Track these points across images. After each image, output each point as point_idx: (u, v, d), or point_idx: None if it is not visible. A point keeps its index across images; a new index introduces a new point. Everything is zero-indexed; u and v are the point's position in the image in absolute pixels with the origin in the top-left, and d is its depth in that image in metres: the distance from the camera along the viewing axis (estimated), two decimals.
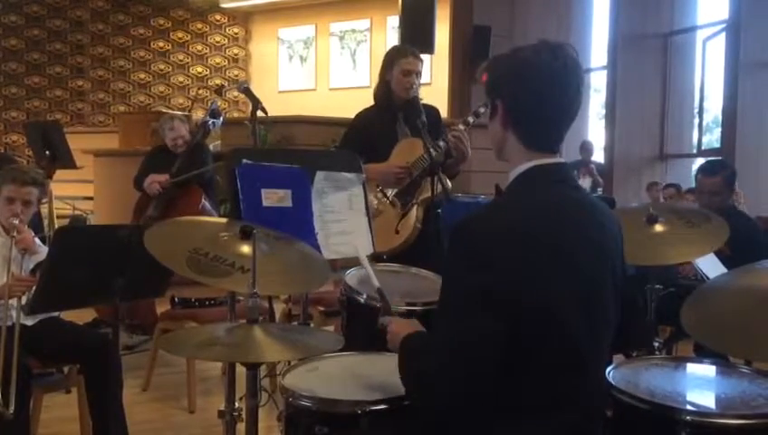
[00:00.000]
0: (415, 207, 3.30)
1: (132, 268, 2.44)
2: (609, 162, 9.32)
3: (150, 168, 4.82)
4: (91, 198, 8.09)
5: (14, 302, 2.75)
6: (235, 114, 11.27)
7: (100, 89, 12.24)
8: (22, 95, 11.91)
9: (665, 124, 9.30)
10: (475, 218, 1.58)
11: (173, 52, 12.58)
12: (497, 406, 1.53)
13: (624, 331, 1.72)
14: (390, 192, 3.34)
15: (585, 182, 8.87)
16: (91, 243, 2.55)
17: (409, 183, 3.30)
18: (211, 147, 5.76)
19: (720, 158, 6.28)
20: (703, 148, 8.98)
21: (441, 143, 3.19)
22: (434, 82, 9.36)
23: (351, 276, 2.45)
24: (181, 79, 12.59)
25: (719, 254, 2.97)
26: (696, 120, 9.39)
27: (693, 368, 1.99)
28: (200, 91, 12.52)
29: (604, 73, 9.74)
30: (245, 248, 2.01)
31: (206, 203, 4.68)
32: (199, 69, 12.67)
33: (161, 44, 12.52)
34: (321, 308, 3.78)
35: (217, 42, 12.76)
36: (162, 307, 4.09)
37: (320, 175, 2.59)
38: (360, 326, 2.31)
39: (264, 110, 3.04)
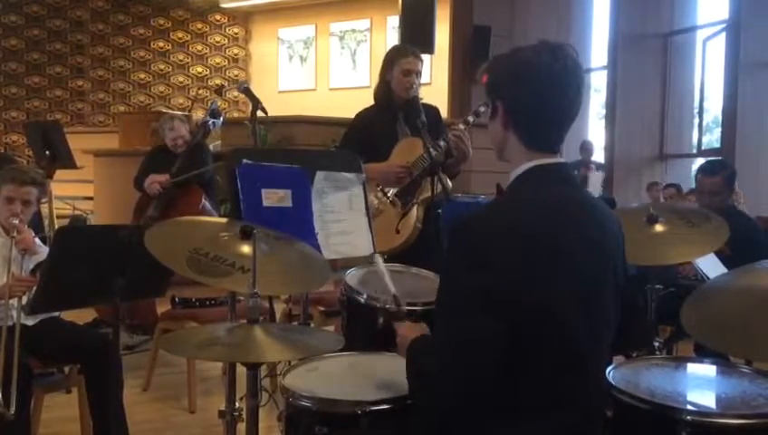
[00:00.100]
0: (415, 207, 3.29)
1: (133, 268, 2.43)
2: (610, 162, 9.33)
3: (150, 168, 4.82)
4: (91, 198, 8.09)
5: (14, 302, 2.75)
6: (235, 114, 11.27)
7: (100, 89, 12.25)
8: (22, 95, 11.91)
9: (665, 124, 9.31)
10: (474, 218, 1.58)
11: (173, 52, 12.58)
12: (497, 406, 1.53)
13: (624, 331, 1.72)
14: (391, 192, 3.33)
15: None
16: (91, 243, 2.55)
17: (410, 183, 3.30)
18: (211, 147, 5.76)
19: (720, 158, 6.29)
20: (703, 148, 8.99)
21: (441, 143, 3.19)
22: (434, 82, 9.35)
23: (352, 276, 2.45)
24: (181, 79, 12.59)
25: (719, 254, 2.96)
26: (696, 120, 9.40)
27: (693, 368, 2.00)
28: (200, 91, 12.52)
29: (604, 73, 9.76)
30: (246, 248, 2.01)
31: (206, 203, 4.67)
32: (199, 69, 12.67)
33: (161, 44, 12.52)
34: (322, 308, 3.78)
35: (217, 42, 12.76)
36: (162, 307, 4.09)
37: (320, 175, 2.59)
38: (361, 326, 2.31)
39: (264, 110, 3.04)
